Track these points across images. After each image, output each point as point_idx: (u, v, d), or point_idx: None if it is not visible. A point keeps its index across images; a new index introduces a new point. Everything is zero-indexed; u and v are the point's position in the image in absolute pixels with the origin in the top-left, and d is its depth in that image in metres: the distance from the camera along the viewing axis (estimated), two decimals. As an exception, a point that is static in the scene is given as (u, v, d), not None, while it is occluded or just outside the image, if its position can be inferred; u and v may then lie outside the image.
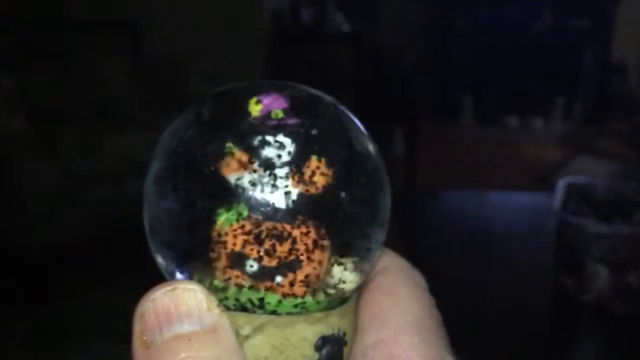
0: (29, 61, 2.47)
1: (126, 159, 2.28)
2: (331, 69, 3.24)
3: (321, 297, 0.22)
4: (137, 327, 0.21)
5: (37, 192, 2.04)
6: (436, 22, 4.48)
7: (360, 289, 0.25)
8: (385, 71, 3.47)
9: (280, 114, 0.22)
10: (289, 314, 0.22)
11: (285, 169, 0.21)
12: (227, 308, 0.22)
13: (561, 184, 1.76)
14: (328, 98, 0.24)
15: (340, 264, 0.23)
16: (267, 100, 0.22)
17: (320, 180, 0.22)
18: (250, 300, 0.22)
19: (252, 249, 0.21)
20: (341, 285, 0.23)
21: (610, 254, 1.62)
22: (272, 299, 0.22)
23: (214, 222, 0.21)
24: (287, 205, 0.21)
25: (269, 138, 0.22)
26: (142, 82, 2.73)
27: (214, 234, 0.21)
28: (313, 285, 0.22)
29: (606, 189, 1.77)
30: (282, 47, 3.39)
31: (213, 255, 0.21)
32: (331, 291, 0.23)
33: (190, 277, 0.22)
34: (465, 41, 4.45)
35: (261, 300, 0.22)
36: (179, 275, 0.23)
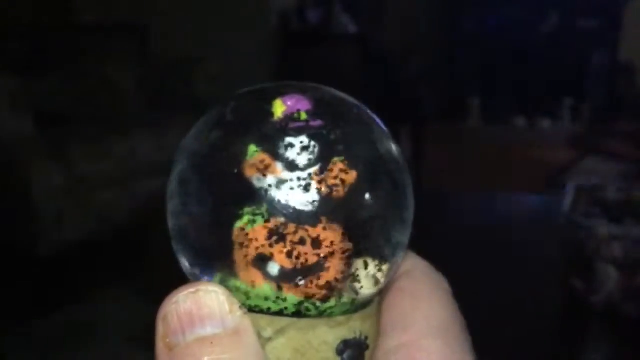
0: (37, 64, 2.48)
1: (133, 161, 2.29)
2: (338, 70, 3.24)
3: (344, 300, 0.22)
4: (160, 329, 0.21)
5: (45, 194, 2.05)
6: (443, 23, 4.48)
7: (383, 292, 0.24)
8: (392, 72, 3.47)
9: (304, 116, 0.22)
10: (311, 317, 0.22)
11: (309, 171, 0.21)
12: (250, 310, 0.22)
13: (571, 186, 1.75)
14: (351, 100, 0.24)
15: (363, 266, 0.22)
16: (290, 101, 0.22)
17: (343, 182, 0.21)
18: (272, 302, 0.22)
19: (274, 251, 0.21)
20: (364, 288, 0.23)
21: (620, 256, 1.61)
22: (294, 301, 0.22)
23: (236, 224, 0.21)
24: (311, 207, 0.21)
25: (293, 140, 0.21)
26: (149, 85, 2.73)
27: (237, 235, 0.21)
28: (335, 288, 0.22)
29: (616, 190, 1.76)
30: (289, 49, 3.39)
31: (236, 257, 0.21)
32: (354, 294, 0.22)
33: (213, 279, 0.22)
34: (472, 42, 4.45)
35: (283, 302, 0.22)
36: (202, 277, 0.23)
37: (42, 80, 2.44)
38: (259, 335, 0.21)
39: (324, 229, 0.21)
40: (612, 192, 1.77)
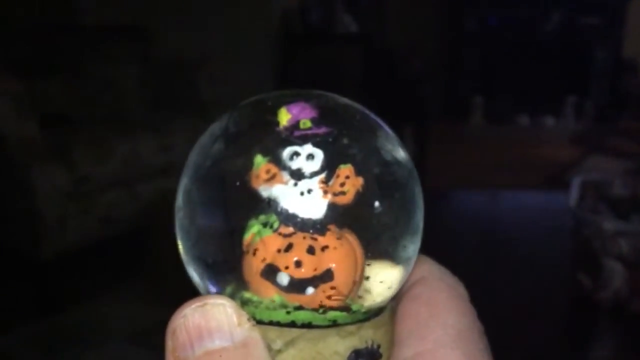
0: (40, 66, 2.48)
1: (136, 163, 2.29)
2: (340, 69, 3.24)
3: (354, 309, 0.22)
4: (169, 343, 0.21)
5: (48, 196, 2.05)
6: (445, 22, 4.47)
7: (396, 299, 0.24)
8: (395, 71, 3.47)
9: (309, 124, 0.22)
10: (321, 327, 0.22)
11: (315, 179, 0.21)
12: (259, 322, 0.21)
13: (576, 181, 1.75)
14: (356, 106, 0.24)
15: (373, 273, 0.22)
16: (295, 109, 0.22)
17: (350, 190, 0.21)
18: (282, 313, 0.21)
19: (283, 261, 0.21)
20: (374, 296, 0.22)
21: (627, 252, 1.61)
22: (303, 312, 0.21)
23: (244, 235, 0.21)
24: (318, 216, 0.21)
25: (298, 148, 0.21)
26: (152, 86, 2.73)
27: (245, 246, 0.21)
28: (345, 297, 0.21)
29: (622, 186, 1.76)
30: (292, 49, 3.39)
31: (245, 268, 0.21)
32: (364, 303, 0.22)
33: (222, 290, 0.22)
34: (475, 40, 4.44)
35: (293, 313, 0.21)
36: (211, 289, 0.22)
37: (45, 82, 2.44)
38: (269, 347, 0.21)
39: (333, 237, 0.21)
40: (618, 187, 1.77)
